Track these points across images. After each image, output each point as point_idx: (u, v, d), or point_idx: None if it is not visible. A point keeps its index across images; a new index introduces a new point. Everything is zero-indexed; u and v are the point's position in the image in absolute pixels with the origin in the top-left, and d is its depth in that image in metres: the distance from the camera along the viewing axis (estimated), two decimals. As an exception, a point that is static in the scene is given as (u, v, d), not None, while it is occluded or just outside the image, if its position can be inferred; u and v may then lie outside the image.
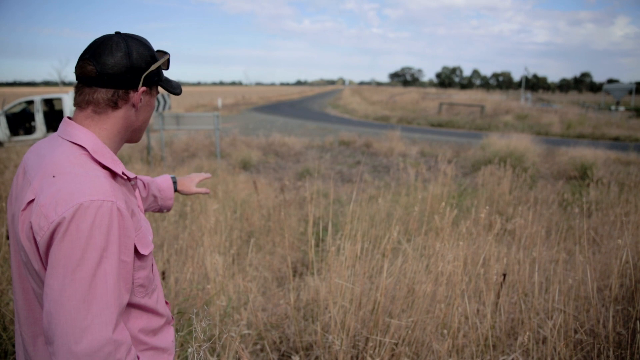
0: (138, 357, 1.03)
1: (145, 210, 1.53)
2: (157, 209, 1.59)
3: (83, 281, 0.89)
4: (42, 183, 0.96)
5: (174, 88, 1.21)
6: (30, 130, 11.40)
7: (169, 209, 1.63)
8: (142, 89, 1.07)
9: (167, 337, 1.20)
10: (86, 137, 1.03)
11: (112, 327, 0.91)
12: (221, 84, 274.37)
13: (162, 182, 1.59)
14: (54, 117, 11.40)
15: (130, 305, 1.06)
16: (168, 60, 1.16)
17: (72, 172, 0.96)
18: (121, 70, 1.02)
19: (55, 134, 1.09)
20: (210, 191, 1.70)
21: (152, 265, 1.13)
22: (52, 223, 0.90)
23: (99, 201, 0.93)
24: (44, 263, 0.95)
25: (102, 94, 1.04)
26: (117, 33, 1.08)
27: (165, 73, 1.20)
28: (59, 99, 11.50)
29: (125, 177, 1.09)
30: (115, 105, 1.05)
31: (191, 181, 1.67)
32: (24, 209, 0.96)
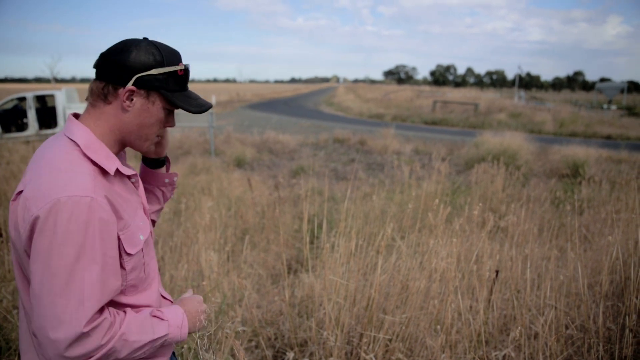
0: (122, 319, 1.01)
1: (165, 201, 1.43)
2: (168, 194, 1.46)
3: (60, 276, 0.92)
4: (32, 176, 0.99)
5: (189, 105, 1.10)
6: (22, 127, 11.30)
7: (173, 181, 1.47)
8: (129, 87, 1.04)
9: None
10: (80, 132, 1.05)
11: (85, 321, 0.93)
12: (215, 81, 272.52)
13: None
14: (46, 114, 11.31)
15: (123, 305, 1.07)
16: (178, 72, 1.08)
17: (57, 168, 0.98)
18: (112, 65, 1.04)
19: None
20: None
21: (144, 264, 1.12)
22: (31, 216, 0.93)
23: (77, 197, 0.93)
24: (27, 253, 0.98)
25: (96, 85, 1.07)
26: (145, 39, 1.08)
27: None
28: (52, 96, 11.41)
29: (123, 174, 1.10)
30: (105, 99, 1.06)
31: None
32: (14, 199, 0.99)
